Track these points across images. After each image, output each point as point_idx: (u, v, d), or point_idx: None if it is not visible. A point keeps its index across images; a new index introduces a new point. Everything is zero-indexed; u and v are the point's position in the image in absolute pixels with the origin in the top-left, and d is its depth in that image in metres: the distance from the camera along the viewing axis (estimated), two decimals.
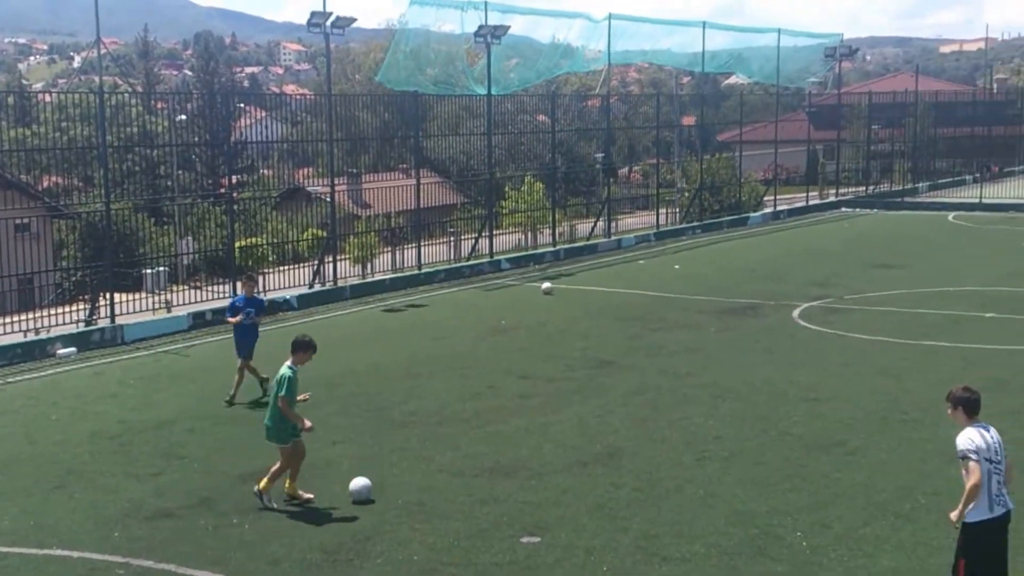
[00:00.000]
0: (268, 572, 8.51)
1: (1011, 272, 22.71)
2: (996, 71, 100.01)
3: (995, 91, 63.59)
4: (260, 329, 14.77)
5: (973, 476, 6.70)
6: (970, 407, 6.98)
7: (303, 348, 10.02)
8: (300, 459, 10.07)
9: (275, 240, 24.88)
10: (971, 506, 6.73)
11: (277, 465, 9.97)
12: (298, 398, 9.99)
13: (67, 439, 12.35)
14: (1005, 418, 12.16)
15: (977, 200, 39.47)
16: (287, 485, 10.03)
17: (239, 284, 17.36)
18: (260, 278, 22.76)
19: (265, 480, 9.93)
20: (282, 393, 9.75)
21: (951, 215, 37.07)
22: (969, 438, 6.83)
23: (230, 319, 14.40)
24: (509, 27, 27.79)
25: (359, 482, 10.05)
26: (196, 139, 34.15)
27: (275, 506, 9.85)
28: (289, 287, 22.48)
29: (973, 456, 6.74)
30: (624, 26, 33.03)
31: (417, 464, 11.10)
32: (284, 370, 9.85)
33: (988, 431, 6.92)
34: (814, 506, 9.59)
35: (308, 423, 9.84)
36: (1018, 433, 11.58)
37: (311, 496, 10.01)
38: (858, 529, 9.04)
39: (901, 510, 9.42)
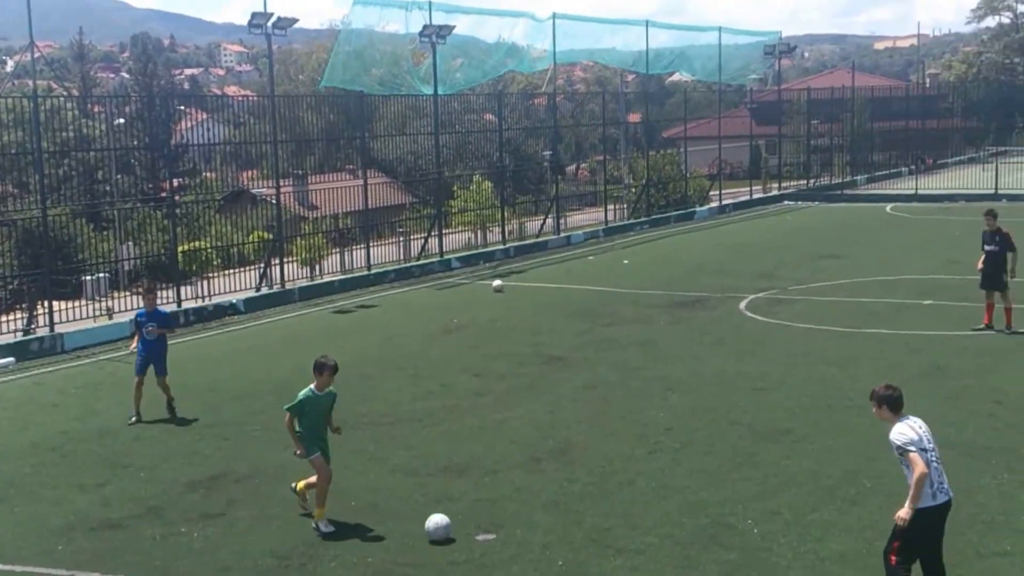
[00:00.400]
0: None
1: (947, 260, 23.17)
2: (928, 67, 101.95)
3: (927, 86, 64.92)
4: (207, 335, 14.55)
5: (918, 467, 6.81)
6: (894, 404, 7.12)
7: (319, 370, 9.42)
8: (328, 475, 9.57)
9: (220, 243, 24.56)
10: (909, 506, 6.85)
11: (314, 481, 9.46)
12: (334, 429, 9.55)
13: (7, 451, 12.08)
14: (945, 402, 12.47)
15: (913, 191, 40.30)
16: (299, 484, 9.68)
17: (140, 297, 15.91)
18: (201, 283, 22.53)
19: (317, 509, 9.37)
20: (285, 406, 9.41)
21: (889, 206, 37.75)
22: (901, 432, 6.97)
23: (131, 344, 13.55)
24: (454, 27, 27.75)
25: (437, 521, 9.02)
26: (135, 142, 33.64)
27: (330, 529, 9.25)
28: (236, 291, 22.26)
29: (911, 448, 6.88)
30: (569, 25, 33.16)
31: (370, 465, 11.03)
32: (302, 392, 9.41)
33: (916, 423, 7.08)
34: (764, 494, 9.70)
35: (300, 451, 9.40)
36: (957, 416, 11.87)
37: (332, 528, 9.35)
38: (807, 515, 9.16)
39: (848, 495, 9.57)
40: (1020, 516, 8.86)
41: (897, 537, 6.98)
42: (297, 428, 9.36)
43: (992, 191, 38.45)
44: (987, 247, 16.07)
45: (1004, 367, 14.04)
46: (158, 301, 14.54)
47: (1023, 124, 64.99)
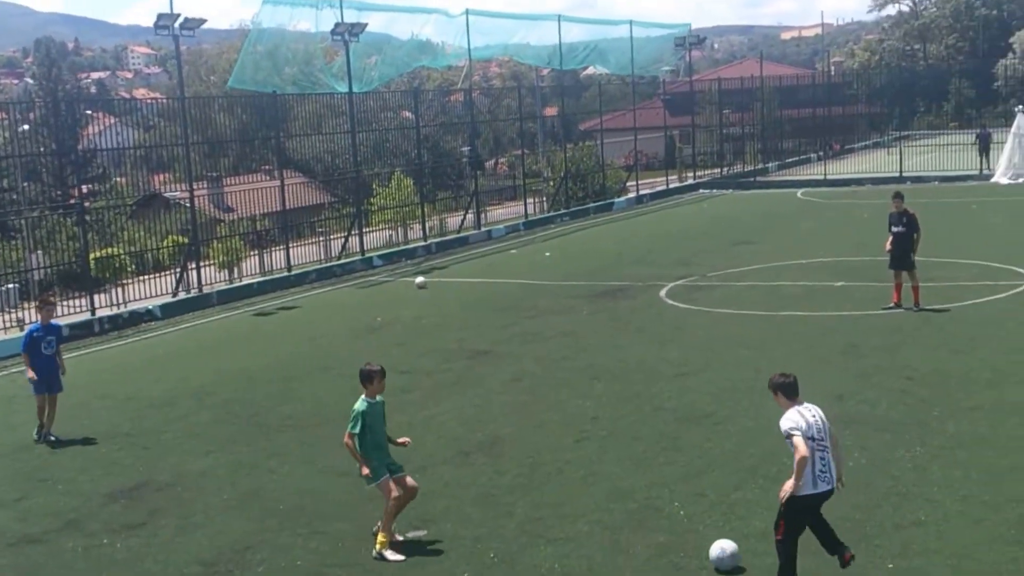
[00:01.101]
0: None
1: (857, 243, 23.80)
2: (832, 55, 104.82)
3: (833, 74, 66.55)
4: (123, 343, 14.19)
5: (800, 450, 7.05)
6: (788, 390, 7.37)
7: (369, 378, 8.72)
8: (400, 496, 8.72)
9: (133, 249, 24.04)
10: (791, 484, 7.12)
11: (384, 508, 8.76)
12: (399, 440, 8.93)
13: None
14: (859, 379, 12.85)
15: (822, 176, 41.37)
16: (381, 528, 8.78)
17: (36, 310, 14.34)
18: (115, 290, 22.02)
19: (381, 535, 8.66)
20: (349, 428, 8.61)
21: (799, 192, 38.67)
22: (790, 418, 7.23)
23: (29, 373, 12.38)
24: (367, 24, 27.58)
25: (723, 549, 8.00)
26: (42, 149, 32.68)
27: (399, 558, 8.52)
28: (152, 297, 21.83)
29: (796, 432, 7.13)
30: (482, 22, 33.22)
31: (297, 468, 10.93)
32: (357, 404, 8.69)
33: (810, 410, 7.30)
34: (689, 476, 9.87)
35: (366, 470, 8.60)
36: (871, 392, 12.25)
37: (401, 557, 8.56)
38: (730, 494, 9.35)
39: (769, 473, 9.78)
40: (933, 488, 9.15)
41: (781, 516, 7.31)
42: (358, 447, 8.62)
43: (897, 174, 39.65)
44: (895, 228, 16.50)
45: (914, 344, 14.48)
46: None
47: (925, 108, 67.19)
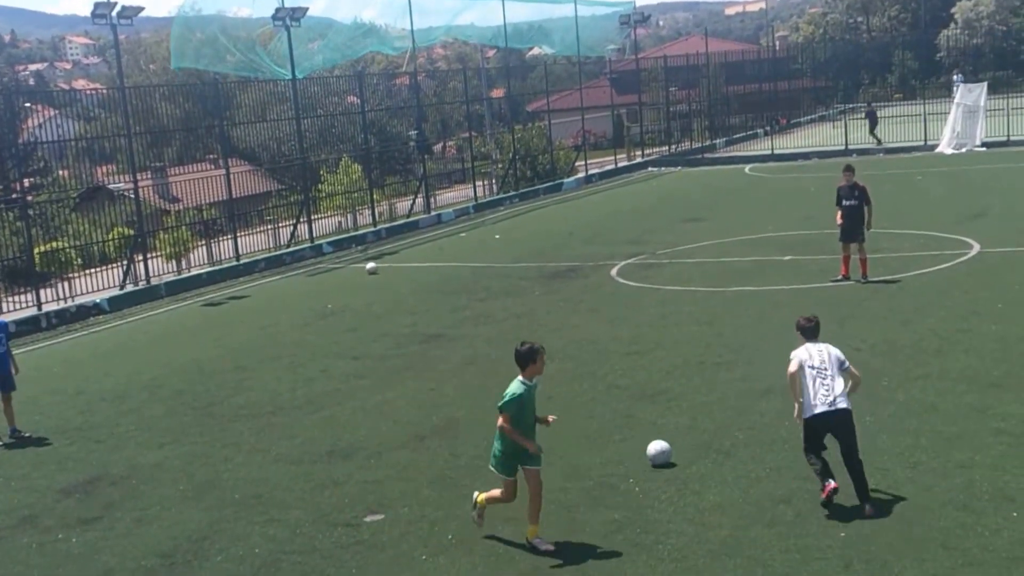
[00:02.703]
0: None
1: (803, 217, 24.12)
2: (777, 30, 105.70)
3: (777, 49, 67.20)
4: (71, 337, 14.02)
5: (789, 369, 8.47)
6: (805, 332, 8.71)
7: (532, 357, 8.18)
8: (535, 494, 8.22)
9: (79, 243, 23.67)
10: (796, 406, 8.51)
11: (498, 495, 8.44)
12: (548, 418, 8.46)
13: None
14: None
15: (769, 152, 41.76)
16: (480, 497, 8.53)
17: None
18: (62, 284, 21.71)
19: (531, 527, 8.23)
20: (506, 410, 8.09)
21: (747, 167, 39.05)
22: (795, 353, 8.57)
23: None
24: (307, 9, 27.31)
25: (657, 447, 9.59)
26: None
27: (549, 547, 8.13)
28: (99, 290, 21.57)
29: (793, 359, 8.51)
30: (425, 2, 33.10)
31: (251, 457, 10.88)
32: (514, 386, 8.18)
33: (818, 346, 8.58)
34: (644, 453, 9.91)
35: (532, 446, 8.13)
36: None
37: (551, 546, 8.17)
38: (685, 469, 9.47)
39: (722, 447, 9.93)
40: (883, 456, 9.31)
41: (804, 441, 8.58)
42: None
43: (843, 147, 40.18)
44: (846, 202, 16.50)
45: (863, 315, 14.71)
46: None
47: (869, 81, 68.07)
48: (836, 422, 8.30)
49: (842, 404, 8.30)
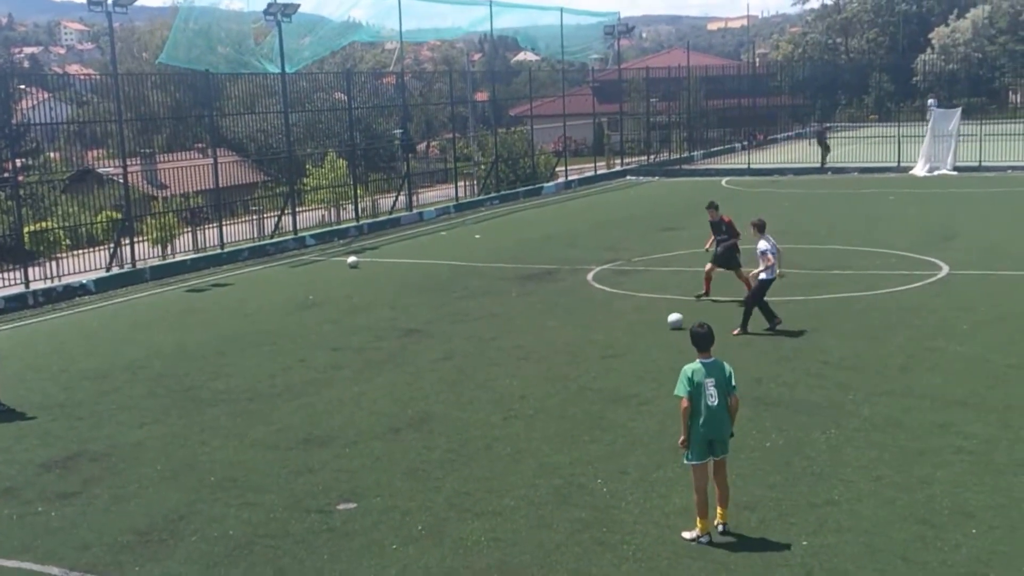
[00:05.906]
0: (78, 557, 8.35)
1: (778, 231, 24.29)
2: (758, 46, 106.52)
3: (757, 65, 67.77)
4: (56, 316, 14.21)
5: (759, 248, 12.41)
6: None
7: (706, 340, 8.22)
8: (703, 481, 8.20)
9: (68, 224, 23.82)
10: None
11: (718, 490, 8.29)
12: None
13: None
14: (779, 363, 13.29)
15: (746, 166, 42.17)
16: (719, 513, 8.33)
17: None
18: (50, 263, 21.87)
19: (720, 510, 8.27)
20: (734, 391, 8.13)
21: (724, 180, 39.43)
22: (765, 243, 12.49)
23: None
24: (299, 5, 27.58)
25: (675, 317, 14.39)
26: None
27: (690, 535, 8.22)
28: (86, 271, 21.78)
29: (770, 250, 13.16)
30: (415, 5, 33.35)
31: (229, 441, 11.08)
32: (694, 365, 8.14)
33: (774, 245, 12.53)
34: (613, 454, 10.16)
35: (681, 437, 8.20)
36: (790, 375, 12.66)
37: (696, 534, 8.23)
38: (652, 473, 9.64)
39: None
40: (847, 468, 9.51)
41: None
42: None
43: (818, 164, 40.66)
44: (718, 238, 16.98)
45: (832, 330, 14.90)
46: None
47: (846, 101, 68.77)
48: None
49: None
